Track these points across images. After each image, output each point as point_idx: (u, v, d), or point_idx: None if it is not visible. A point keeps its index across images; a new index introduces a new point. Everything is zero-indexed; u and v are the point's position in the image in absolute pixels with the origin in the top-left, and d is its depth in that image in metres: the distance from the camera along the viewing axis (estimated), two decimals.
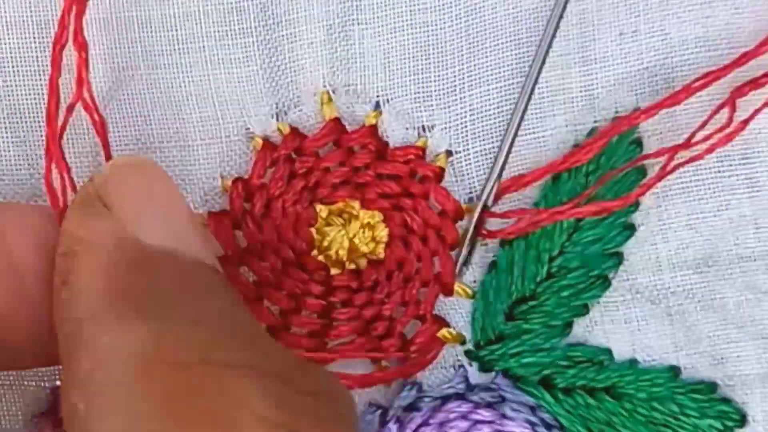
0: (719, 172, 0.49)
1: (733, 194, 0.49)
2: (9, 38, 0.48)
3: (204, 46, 0.48)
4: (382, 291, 0.48)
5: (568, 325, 0.49)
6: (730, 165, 0.49)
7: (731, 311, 0.49)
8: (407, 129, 0.49)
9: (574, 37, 0.49)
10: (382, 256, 0.49)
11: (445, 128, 0.49)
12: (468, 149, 0.49)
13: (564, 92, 0.49)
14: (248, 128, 0.49)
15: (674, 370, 0.49)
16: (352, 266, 0.49)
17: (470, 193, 0.49)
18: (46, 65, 0.46)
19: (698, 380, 0.49)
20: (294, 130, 0.49)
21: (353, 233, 0.49)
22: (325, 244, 0.49)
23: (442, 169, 0.49)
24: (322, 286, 0.48)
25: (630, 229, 0.49)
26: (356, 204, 0.49)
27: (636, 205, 0.49)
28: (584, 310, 0.49)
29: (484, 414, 0.49)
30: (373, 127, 0.49)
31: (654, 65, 0.49)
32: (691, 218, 0.49)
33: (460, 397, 0.49)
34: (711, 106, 0.48)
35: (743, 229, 0.49)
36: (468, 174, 0.49)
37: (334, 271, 0.49)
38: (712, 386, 0.49)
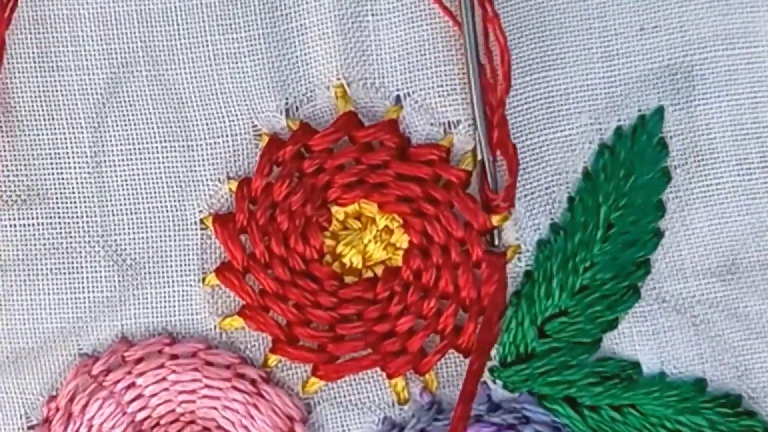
0: (740, 175, 0.48)
1: (753, 199, 0.48)
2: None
3: (207, 41, 0.47)
4: (399, 303, 0.46)
5: (598, 341, 0.48)
6: (749, 169, 0.48)
7: (754, 320, 0.48)
8: (431, 125, 0.47)
9: (596, 30, 0.48)
10: (399, 263, 0.47)
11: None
12: None
13: (588, 89, 0.48)
14: (256, 126, 0.47)
15: (701, 383, 0.48)
16: (369, 274, 0.47)
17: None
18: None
19: (724, 393, 0.48)
20: (304, 125, 0.46)
21: (368, 238, 0.47)
22: (339, 250, 0.47)
23: (469, 174, 0.46)
24: (332, 297, 0.46)
25: (659, 235, 0.48)
26: (374, 206, 0.46)
27: (662, 211, 0.48)
28: (614, 324, 0.48)
29: None
30: (393, 122, 0.46)
31: (675, 63, 0.48)
32: (713, 224, 0.48)
33: (480, 419, 0.47)
34: (731, 106, 0.48)
35: (764, 235, 0.49)
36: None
37: (348, 279, 0.47)
38: (737, 399, 0.48)
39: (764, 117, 0.49)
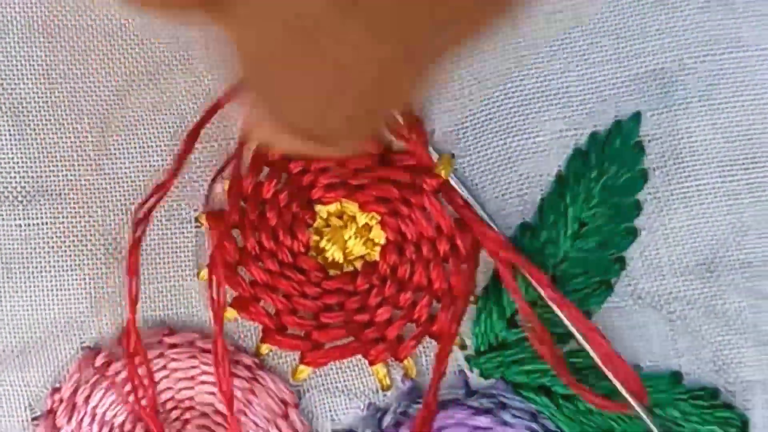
0: (721, 177, 0.49)
1: (735, 199, 0.49)
2: (12, 39, 0.48)
3: (204, 47, 0.48)
4: (377, 295, 0.48)
5: (569, 333, 0.48)
6: (731, 170, 0.49)
7: (733, 317, 0.49)
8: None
9: (574, 39, 0.49)
10: (377, 258, 0.49)
11: (447, 132, 0.49)
12: (470, 154, 0.49)
13: (564, 97, 0.49)
14: None
15: (676, 376, 0.49)
16: (350, 268, 0.49)
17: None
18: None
19: (700, 386, 0.49)
20: None
21: (349, 235, 0.49)
22: (322, 245, 0.49)
23: (445, 181, 0.48)
24: (317, 288, 0.48)
25: (633, 233, 0.49)
26: (354, 205, 0.49)
27: (639, 210, 0.49)
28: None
29: (483, 420, 0.49)
30: None
31: (655, 69, 0.49)
32: (693, 223, 0.49)
33: (458, 403, 0.49)
34: (714, 110, 0.49)
35: (745, 234, 0.49)
36: (471, 179, 0.49)
37: (332, 272, 0.49)
38: (713, 392, 0.49)
39: (748, 121, 0.49)
